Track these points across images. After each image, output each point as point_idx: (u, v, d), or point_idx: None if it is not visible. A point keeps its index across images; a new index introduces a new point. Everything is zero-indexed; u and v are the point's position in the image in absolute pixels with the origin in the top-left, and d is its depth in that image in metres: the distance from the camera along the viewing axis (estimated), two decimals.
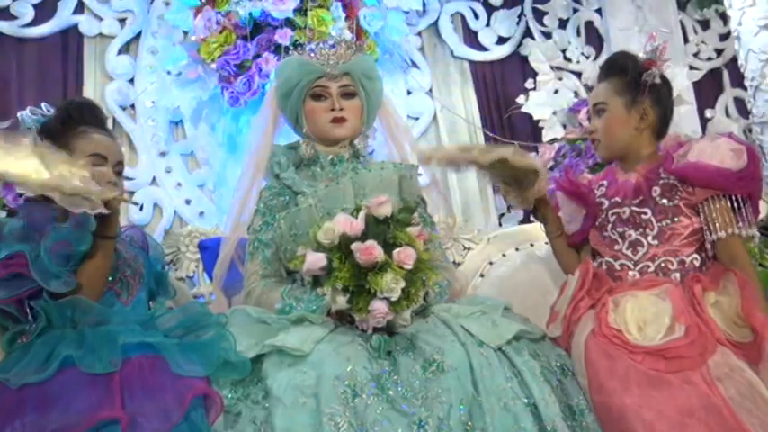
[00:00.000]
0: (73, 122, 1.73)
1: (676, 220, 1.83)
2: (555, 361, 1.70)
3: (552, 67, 3.70)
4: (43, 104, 1.77)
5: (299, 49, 2.17)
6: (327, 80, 2.04)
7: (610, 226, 1.90)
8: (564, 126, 3.55)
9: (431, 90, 3.62)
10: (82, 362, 1.43)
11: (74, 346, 1.47)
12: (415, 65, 3.62)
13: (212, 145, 3.23)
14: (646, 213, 1.86)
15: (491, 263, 2.60)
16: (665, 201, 1.85)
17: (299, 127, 2.10)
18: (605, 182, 1.97)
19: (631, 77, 1.89)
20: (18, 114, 1.76)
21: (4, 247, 1.51)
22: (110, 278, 1.65)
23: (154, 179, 3.29)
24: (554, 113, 3.57)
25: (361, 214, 1.68)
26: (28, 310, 1.54)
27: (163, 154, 3.31)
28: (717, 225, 1.79)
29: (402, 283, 1.61)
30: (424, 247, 1.71)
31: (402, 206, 1.78)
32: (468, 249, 2.72)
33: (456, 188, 3.44)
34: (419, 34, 3.69)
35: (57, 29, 3.34)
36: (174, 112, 3.31)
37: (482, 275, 2.56)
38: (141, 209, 3.22)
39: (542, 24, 3.81)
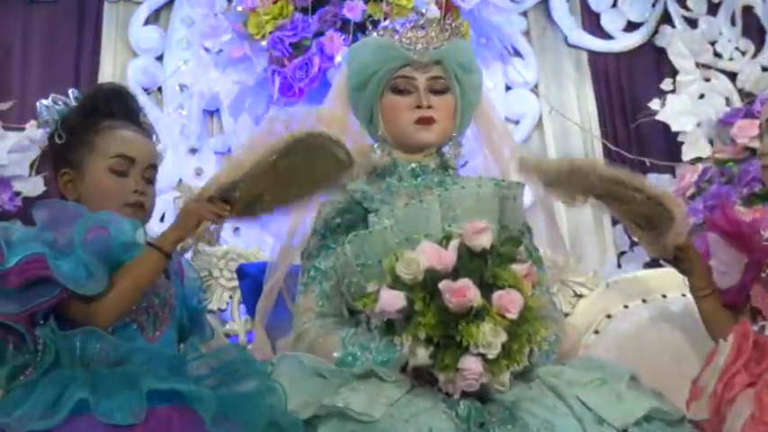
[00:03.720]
0: (97, 115, 1.79)
1: None
2: None
3: (698, 65, 3.67)
4: (70, 91, 1.83)
5: (376, 27, 2.20)
6: (413, 70, 2.06)
7: None
8: (711, 142, 3.52)
9: (536, 86, 3.62)
10: (98, 409, 1.47)
11: (88, 389, 1.50)
12: (517, 53, 3.63)
13: None
14: None
15: (609, 316, 2.56)
16: None
17: (373, 127, 2.13)
18: None
19: None
20: (37, 103, 1.82)
21: (19, 250, 1.56)
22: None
23: (180, 182, 3.35)
24: (698, 125, 3.54)
25: (453, 244, 1.69)
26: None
27: (193, 151, 3.39)
28: None
29: (503, 337, 1.60)
30: (532, 291, 1.71)
31: (505, 236, 1.79)
32: (580, 296, 2.69)
33: (563, 216, 3.42)
34: (525, 14, 3.71)
35: None
36: (211, 99, 3.39)
37: (596, 332, 2.54)
38: (162, 220, 3.29)
39: (686, 8, 3.78)
